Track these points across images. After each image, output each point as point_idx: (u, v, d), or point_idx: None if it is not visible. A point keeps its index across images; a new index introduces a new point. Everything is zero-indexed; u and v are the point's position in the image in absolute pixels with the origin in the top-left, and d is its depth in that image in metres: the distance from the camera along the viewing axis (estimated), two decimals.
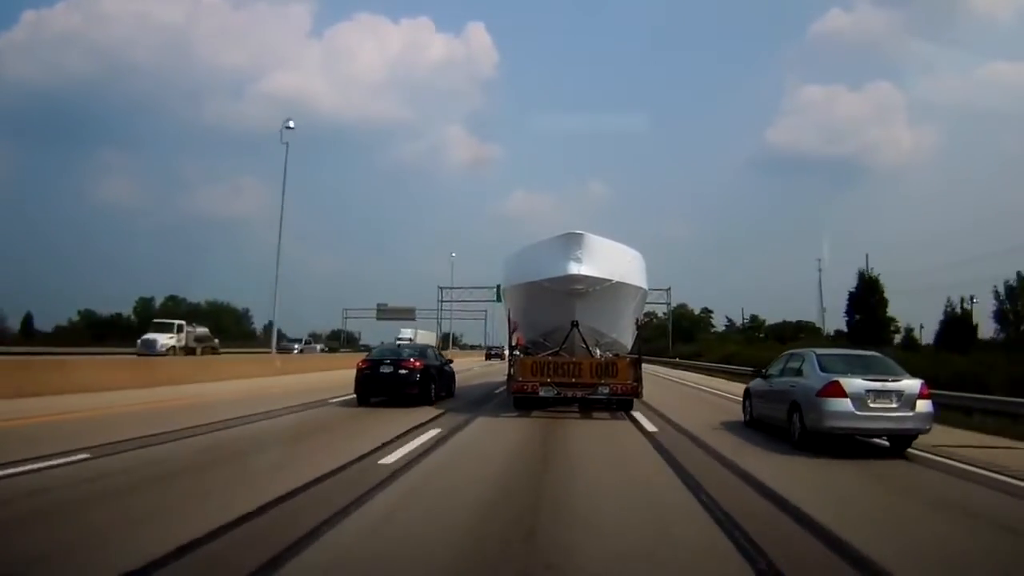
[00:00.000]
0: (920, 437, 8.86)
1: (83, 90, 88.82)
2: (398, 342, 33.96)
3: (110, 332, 56.14)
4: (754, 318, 73.91)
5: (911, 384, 8.69)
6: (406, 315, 70.57)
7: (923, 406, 8.58)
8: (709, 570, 4.25)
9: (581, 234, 11.98)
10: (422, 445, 8.40)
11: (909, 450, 8.89)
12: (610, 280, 12.07)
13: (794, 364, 10.12)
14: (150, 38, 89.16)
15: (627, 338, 14.29)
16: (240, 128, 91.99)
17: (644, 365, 14.07)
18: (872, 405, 8.48)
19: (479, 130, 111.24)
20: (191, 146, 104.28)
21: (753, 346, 47.46)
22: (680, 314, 74.44)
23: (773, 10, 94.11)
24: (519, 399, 12.59)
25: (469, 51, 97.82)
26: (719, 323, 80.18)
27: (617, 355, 13.17)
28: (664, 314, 66.43)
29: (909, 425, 8.61)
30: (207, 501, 5.46)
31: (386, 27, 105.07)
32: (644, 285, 14.00)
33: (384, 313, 71.74)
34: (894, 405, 8.51)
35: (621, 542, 4.71)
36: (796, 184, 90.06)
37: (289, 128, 28.44)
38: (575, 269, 11.71)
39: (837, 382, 8.59)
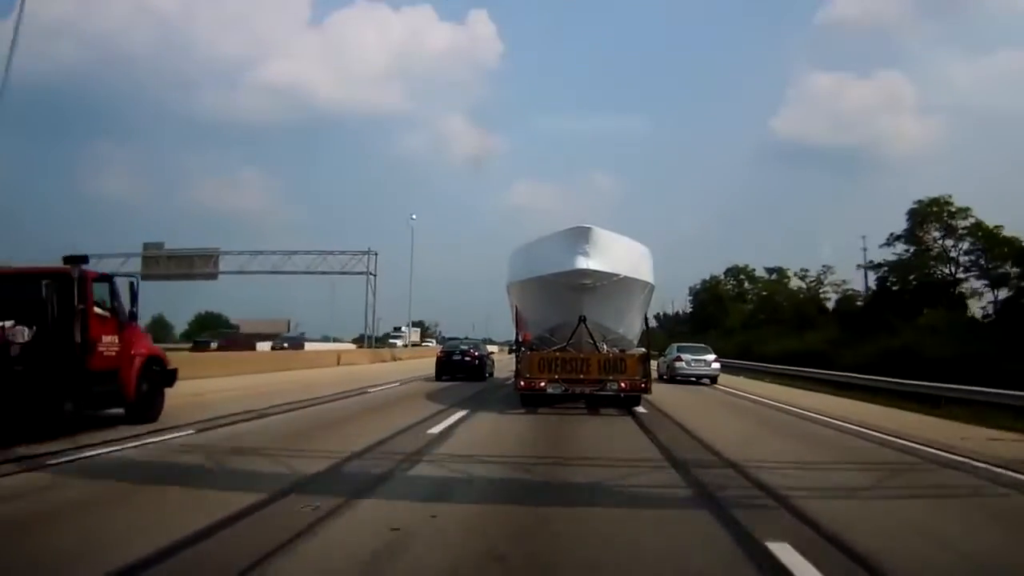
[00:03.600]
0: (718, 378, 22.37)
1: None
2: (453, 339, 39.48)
3: None
4: None
5: (711, 356, 22.40)
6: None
7: (716, 365, 22.35)
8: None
9: (589, 228, 11.75)
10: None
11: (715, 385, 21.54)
12: (618, 275, 11.87)
13: (669, 350, 24.04)
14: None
15: (635, 333, 14.15)
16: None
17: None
18: (693, 364, 22.01)
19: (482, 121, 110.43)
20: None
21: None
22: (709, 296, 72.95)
23: None
24: (526, 396, 12.44)
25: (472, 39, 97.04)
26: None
27: (625, 351, 13.01)
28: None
29: (708, 372, 21.99)
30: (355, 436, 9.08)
31: (386, 14, 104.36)
32: (652, 280, 13.82)
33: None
34: (703, 364, 22.07)
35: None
36: (807, 174, 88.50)
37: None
38: (583, 263, 11.48)
39: (679, 356, 22.26)
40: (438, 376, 21.00)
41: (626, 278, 12.13)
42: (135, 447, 7.65)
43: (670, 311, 78.06)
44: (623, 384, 11.91)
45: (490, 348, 31.19)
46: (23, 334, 8.02)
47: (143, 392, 9.50)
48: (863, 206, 77.14)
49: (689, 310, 74.13)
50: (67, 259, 8.65)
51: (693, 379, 21.80)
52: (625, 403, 12.57)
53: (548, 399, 12.39)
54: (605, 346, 12.85)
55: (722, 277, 66.49)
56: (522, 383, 12.18)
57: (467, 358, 21.48)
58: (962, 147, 73.92)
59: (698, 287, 69.77)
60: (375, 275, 47.59)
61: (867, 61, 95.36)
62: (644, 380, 12.05)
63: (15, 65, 17.10)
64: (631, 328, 14.02)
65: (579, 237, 11.66)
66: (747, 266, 64.28)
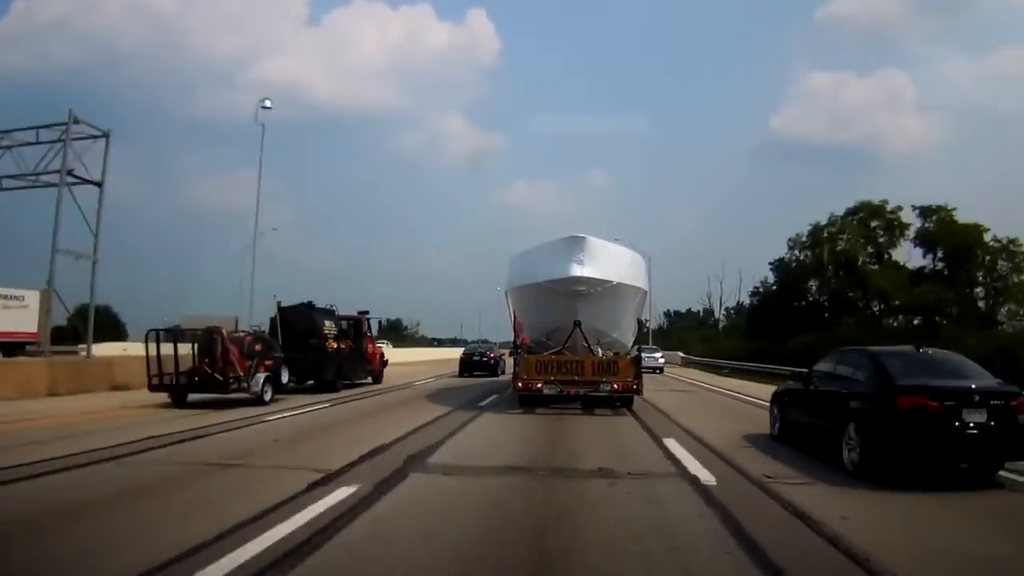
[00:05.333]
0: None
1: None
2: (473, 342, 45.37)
3: None
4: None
5: (659, 353, 32.88)
6: None
7: (662, 361, 32.86)
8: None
9: (583, 237, 12.48)
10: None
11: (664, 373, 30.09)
12: (611, 281, 12.54)
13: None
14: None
15: (628, 337, 14.76)
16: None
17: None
18: (648, 359, 18.86)
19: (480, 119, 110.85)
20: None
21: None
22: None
23: None
24: (524, 396, 13.05)
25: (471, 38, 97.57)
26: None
27: (618, 354, 13.62)
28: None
29: (657, 364, 31.14)
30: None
31: (385, 14, 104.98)
32: (645, 286, 14.46)
33: None
34: (653, 359, 30.15)
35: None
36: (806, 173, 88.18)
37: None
38: (577, 271, 12.19)
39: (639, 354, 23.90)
40: (461, 373, 26.23)
41: (619, 284, 12.80)
42: (381, 392, 18.18)
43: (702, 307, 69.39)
44: (616, 385, 12.53)
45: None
46: (346, 345, 18.93)
47: (379, 371, 21.53)
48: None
49: (751, 303, 54.81)
50: (360, 312, 20.98)
51: (648, 369, 23.88)
52: (618, 403, 13.19)
53: (544, 400, 13.00)
54: (599, 349, 13.46)
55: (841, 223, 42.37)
56: (520, 384, 12.81)
57: (484, 358, 26.64)
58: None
59: (792, 251, 45.86)
60: (97, 184, 21.97)
61: (866, 59, 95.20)
62: (636, 381, 12.67)
63: None
64: (625, 332, 14.64)
65: (573, 246, 12.37)
66: (886, 203, 41.44)
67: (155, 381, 13.17)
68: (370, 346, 20.78)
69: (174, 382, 13.17)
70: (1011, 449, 6.75)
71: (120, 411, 12.09)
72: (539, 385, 12.57)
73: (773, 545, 4.45)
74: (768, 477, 6.81)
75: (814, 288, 45.23)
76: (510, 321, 15.50)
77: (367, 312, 21.04)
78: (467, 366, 26.62)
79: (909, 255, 41.63)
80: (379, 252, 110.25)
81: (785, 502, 5.75)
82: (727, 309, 65.50)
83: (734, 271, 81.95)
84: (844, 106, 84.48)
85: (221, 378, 12.96)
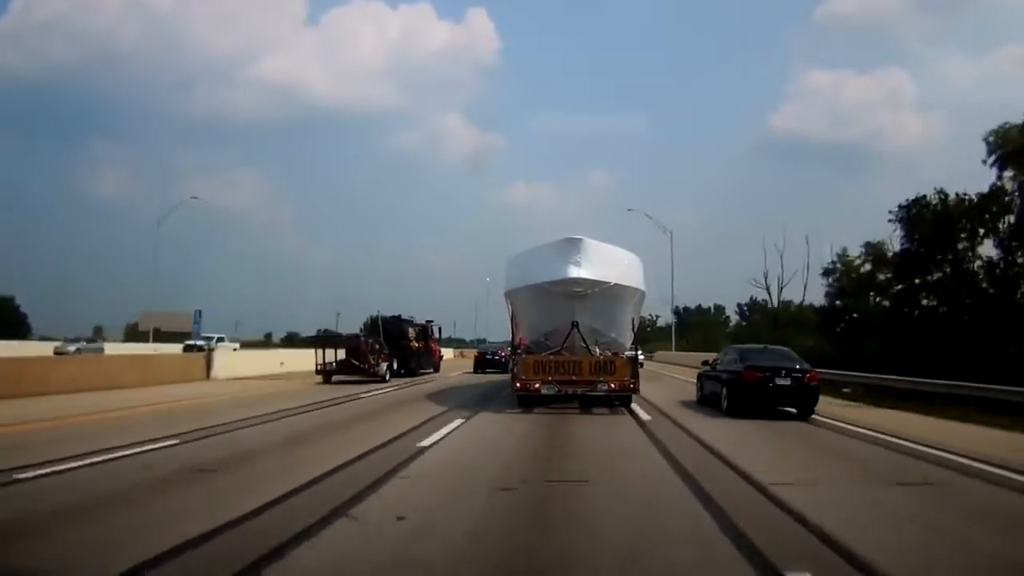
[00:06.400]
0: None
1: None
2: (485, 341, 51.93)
3: None
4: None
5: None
6: None
7: (640, 356, 21.44)
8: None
9: (580, 239, 12.64)
10: None
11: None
12: (608, 282, 12.69)
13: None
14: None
15: (625, 337, 14.89)
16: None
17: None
18: None
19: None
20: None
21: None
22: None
23: None
24: (522, 396, 13.20)
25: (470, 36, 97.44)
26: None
27: (616, 353, 13.76)
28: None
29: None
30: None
31: (384, 12, 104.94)
32: (641, 286, 14.59)
33: None
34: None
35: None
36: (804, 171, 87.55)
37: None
38: (574, 272, 12.34)
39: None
40: (475, 370, 29.85)
41: (616, 285, 12.95)
42: (441, 377, 24.74)
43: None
44: (613, 385, 12.68)
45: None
46: (421, 344, 26.07)
47: (438, 364, 28.69)
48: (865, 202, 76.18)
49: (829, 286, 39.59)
50: (428, 321, 28.43)
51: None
52: (616, 402, 13.35)
53: (543, 399, 13.15)
54: (597, 349, 13.61)
55: None
56: (518, 384, 12.95)
57: (496, 357, 29.35)
58: None
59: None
60: None
61: (866, 57, 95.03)
62: (633, 381, 12.82)
63: None
64: (622, 332, 14.78)
65: (571, 247, 12.53)
66: None
67: (318, 368, 20.71)
68: (434, 346, 28.74)
69: (329, 369, 20.63)
70: (803, 399, 12.50)
71: (300, 386, 18.97)
72: (537, 385, 12.71)
73: (669, 444, 9.09)
74: (675, 418, 12.29)
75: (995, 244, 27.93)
76: (509, 322, 15.65)
77: (433, 321, 29.24)
78: (481, 363, 29.94)
79: None
80: (374, 249, 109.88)
81: (681, 426, 11.15)
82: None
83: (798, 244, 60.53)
84: (843, 103, 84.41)
85: (363, 366, 20.56)
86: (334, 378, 20.37)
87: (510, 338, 16.19)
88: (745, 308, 69.93)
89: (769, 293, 48.24)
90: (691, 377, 25.99)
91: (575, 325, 12.91)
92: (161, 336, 47.08)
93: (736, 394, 12.52)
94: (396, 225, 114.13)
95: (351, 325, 64.11)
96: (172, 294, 62.21)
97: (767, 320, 51.68)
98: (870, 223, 56.00)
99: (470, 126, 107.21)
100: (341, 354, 20.95)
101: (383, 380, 20.66)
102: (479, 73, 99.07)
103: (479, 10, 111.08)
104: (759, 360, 12.88)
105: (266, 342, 64.24)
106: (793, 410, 12.60)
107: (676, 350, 50.31)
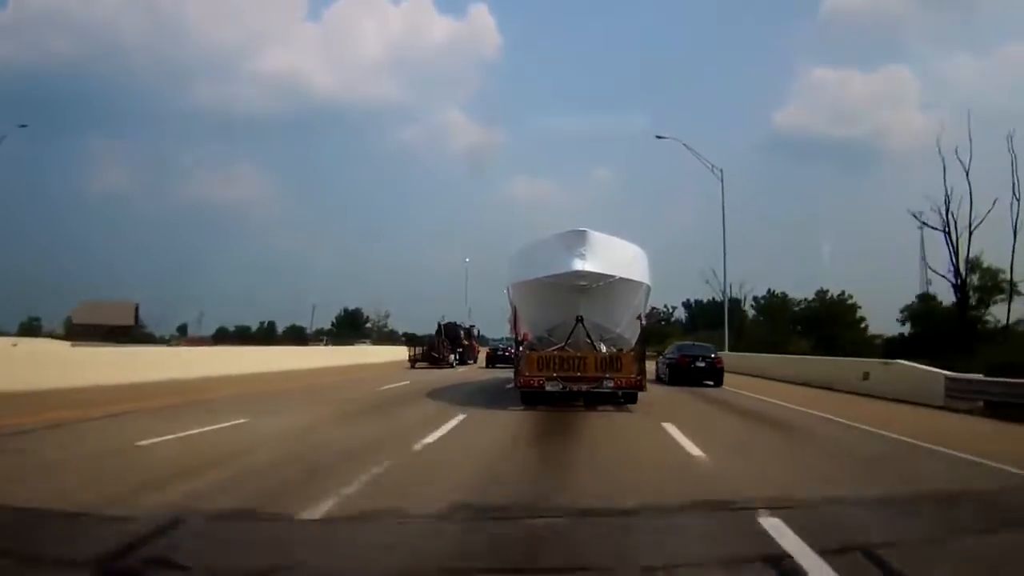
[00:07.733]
0: None
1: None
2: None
3: None
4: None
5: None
6: None
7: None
8: None
9: (584, 231, 12.23)
10: None
11: None
12: (613, 276, 12.31)
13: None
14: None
15: (631, 332, 14.51)
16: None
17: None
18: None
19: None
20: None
21: None
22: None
23: None
24: (526, 393, 12.87)
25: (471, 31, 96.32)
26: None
27: (621, 349, 13.42)
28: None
29: None
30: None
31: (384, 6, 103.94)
32: (647, 280, 14.22)
33: None
34: None
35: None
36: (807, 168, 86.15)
37: None
38: (579, 265, 11.95)
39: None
40: (487, 364, 33.20)
41: (621, 279, 12.57)
42: (479, 367, 33.37)
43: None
44: (619, 381, 12.33)
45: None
46: (469, 342, 37.83)
47: (477, 357, 37.45)
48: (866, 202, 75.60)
49: None
50: (472, 326, 42.33)
51: None
52: (622, 399, 13.00)
53: (547, 396, 12.82)
54: (603, 345, 13.27)
55: None
56: (522, 381, 12.62)
57: (506, 353, 31.27)
58: None
59: None
60: None
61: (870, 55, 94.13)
62: (639, 377, 12.48)
63: None
64: (628, 327, 14.42)
65: (575, 240, 12.14)
66: None
67: (409, 356, 32.31)
68: (474, 343, 39.43)
69: (415, 358, 31.66)
70: (714, 375, 20.98)
71: (396, 369, 28.97)
72: (541, 381, 12.39)
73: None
74: None
75: None
76: (510, 317, 15.30)
77: (474, 325, 42.53)
78: (492, 359, 33.35)
79: None
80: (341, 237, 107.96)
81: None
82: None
83: None
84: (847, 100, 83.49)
85: (440, 357, 31.46)
86: (416, 364, 30.30)
87: (511, 333, 15.86)
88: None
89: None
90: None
91: (580, 320, 12.58)
92: (93, 333, 41.29)
93: (673, 372, 21.48)
94: (369, 215, 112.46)
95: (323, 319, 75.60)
96: (112, 283, 60.16)
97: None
98: None
99: (471, 122, 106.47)
100: (419, 350, 32.33)
101: (451, 366, 30.77)
102: (480, 68, 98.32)
103: (480, 5, 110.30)
104: (688, 351, 22.39)
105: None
106: (711, 382, 20.80)
107: (728, 349, 33.26)
